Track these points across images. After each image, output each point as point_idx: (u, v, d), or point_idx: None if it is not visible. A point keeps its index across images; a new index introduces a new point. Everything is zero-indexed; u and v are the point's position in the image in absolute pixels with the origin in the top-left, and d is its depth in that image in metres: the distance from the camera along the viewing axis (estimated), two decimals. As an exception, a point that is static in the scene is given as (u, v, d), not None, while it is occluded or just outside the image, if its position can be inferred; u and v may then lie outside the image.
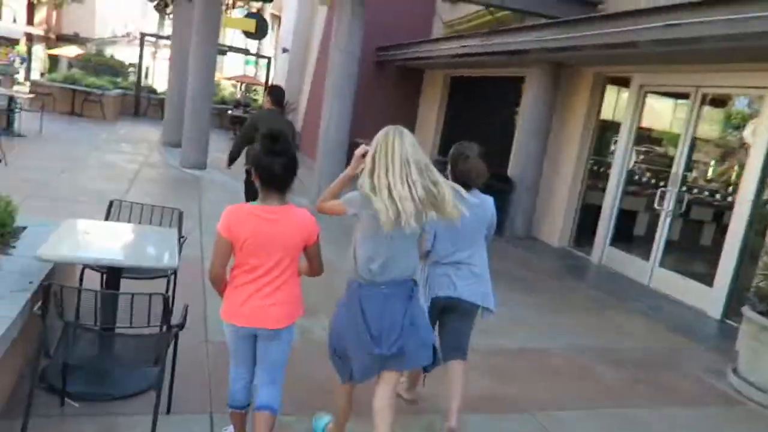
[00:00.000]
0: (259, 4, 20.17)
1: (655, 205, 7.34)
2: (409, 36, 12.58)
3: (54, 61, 28.35)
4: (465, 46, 9.75)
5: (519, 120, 9.91)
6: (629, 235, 8.32)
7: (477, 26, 10.94)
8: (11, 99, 11.10)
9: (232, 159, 6.41)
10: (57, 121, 14.46)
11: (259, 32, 15.58)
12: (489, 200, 3.15)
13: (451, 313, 3.15)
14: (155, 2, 14.02)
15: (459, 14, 12.12)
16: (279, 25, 24.56)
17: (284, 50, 19.35)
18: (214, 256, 2.46)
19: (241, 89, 27.17)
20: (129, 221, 4.19)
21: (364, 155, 2.57)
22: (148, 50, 27.45)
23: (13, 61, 22.41)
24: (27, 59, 26.69)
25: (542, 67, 8.85)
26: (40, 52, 29.34)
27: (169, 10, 14.66)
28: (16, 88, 20.22)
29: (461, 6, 12.10)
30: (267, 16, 24.89)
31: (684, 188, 7.10)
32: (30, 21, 28.16)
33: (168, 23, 16.81)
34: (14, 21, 27.08)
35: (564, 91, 9.08)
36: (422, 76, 14.45)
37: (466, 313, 3.17)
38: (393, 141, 2.51)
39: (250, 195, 6.23)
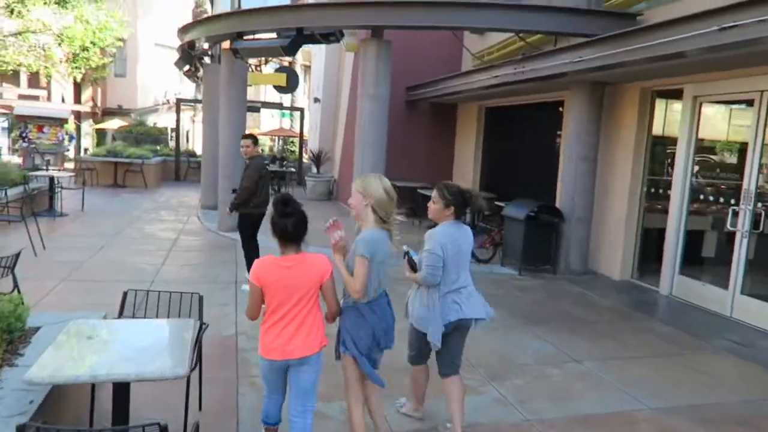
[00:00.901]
0: (290, 58, 20.37)
1: (728, 226, 6.59)
2: (439, 71, 12.25)
3: (102, 135, 29.42)
4: (497, 76, 9.30)
5: (563, 146, 9.32)
6: (700, 260, 7.55)
7: (508, 54, 10.49)
8: (52, 179, 11.20)
9: (237, 207, 6.80)
10: (99, 194, 14.69)
11: (289, 86, 15.59)
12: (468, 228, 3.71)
13: (456, 332, 3.53)
14: (185, 70, 14.14)
15: (488, 44, 11.73)
16: (310, 75, 24.79)
17: (316, 100, 19.38)
18: (249, 300, 2.99)
19: (278, 143, 27.43)
20: (146, 311, 3.88)
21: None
22: (187, 115, 28.22)
23: (63, 140, 23.27)
24: (75, 137, 27.74)
25: (582, 87, 8.30)
26: (87, 128, 30.54)
27: (200, 74, 14.81)
28: (66, 165, 20.95)
29: (489, 35, 11.71)
30: (297, 68, 25.20)
31: (759, 203, 6.35)
32: (77, 99, 29.42)
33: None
34: (62, 101, 28.36)
35: (608, 110, 8.48)
36: (456, 111, 14.06)
37: (467, 329, 3.59)
38: (385, 183, 3.18)
39: (246, 236, 6.85)
